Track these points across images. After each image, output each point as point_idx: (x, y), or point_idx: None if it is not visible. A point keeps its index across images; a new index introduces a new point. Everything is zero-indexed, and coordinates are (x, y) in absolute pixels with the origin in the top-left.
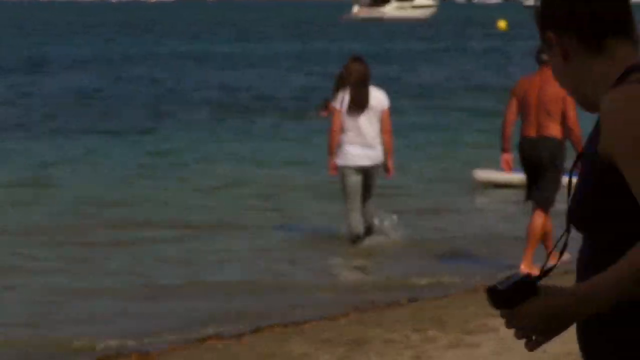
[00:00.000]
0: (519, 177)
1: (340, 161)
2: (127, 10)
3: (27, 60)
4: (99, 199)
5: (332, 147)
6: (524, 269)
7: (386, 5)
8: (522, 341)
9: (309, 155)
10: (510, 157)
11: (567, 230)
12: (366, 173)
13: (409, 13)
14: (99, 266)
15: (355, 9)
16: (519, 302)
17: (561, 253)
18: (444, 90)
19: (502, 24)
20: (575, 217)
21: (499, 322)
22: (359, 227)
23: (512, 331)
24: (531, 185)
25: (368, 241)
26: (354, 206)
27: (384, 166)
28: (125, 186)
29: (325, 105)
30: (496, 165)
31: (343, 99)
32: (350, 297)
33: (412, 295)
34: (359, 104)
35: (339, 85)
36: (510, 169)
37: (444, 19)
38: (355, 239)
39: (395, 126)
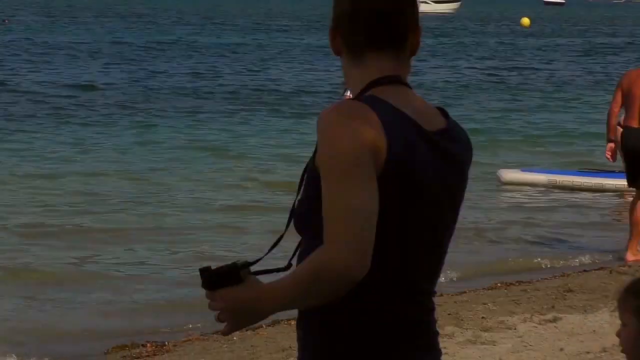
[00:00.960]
0: (544, 177)
1: None
2: None
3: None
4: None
5: None
6: (629, 257)
7: None
8: (542, 340)
9: None
10: (614, 146)
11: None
12: None
13: (432, 8)
14: (118, 254)
15: None
16: (221, 286)
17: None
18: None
19: (525, 21)
20: (296, 221)
21: (517, 319)
22: None
23: (531, 329)
24: (635, 175)
25: None
26: None
27: None
28: (157, 174)
29: None
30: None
31: None
32: None
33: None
34: None
35: None
36: (614, 158)
37: (468, 15)
38: None
39: None
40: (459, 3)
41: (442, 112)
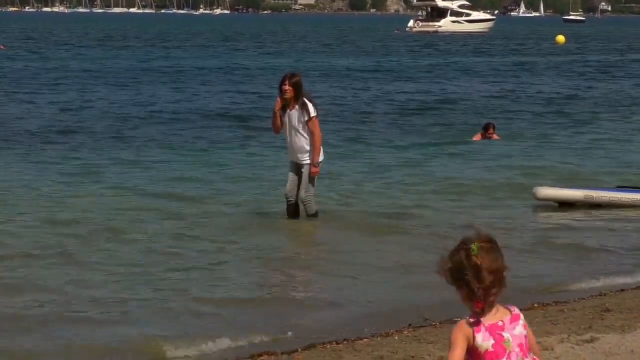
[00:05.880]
0: (581, 193)
1: None
2: (181, 21)
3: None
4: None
5: None
6: None
7: (441, 20)
8: None
9: None
10: None
11: None
12: None
13: (465, 27)
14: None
15: (411, 22)
16: None
17: None
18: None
19: (560, 39)
20: None
21: (554, 340)
22: None
23: (568, 350)
24: None
25: (421, 259)
26: None
27: None
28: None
29: (487, 128)
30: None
31: None
32: (404, 313)
33: (466, 312)
34: None
35: None
36: None
37: (498, 33)
38: None
39: None
40: (492, 22)
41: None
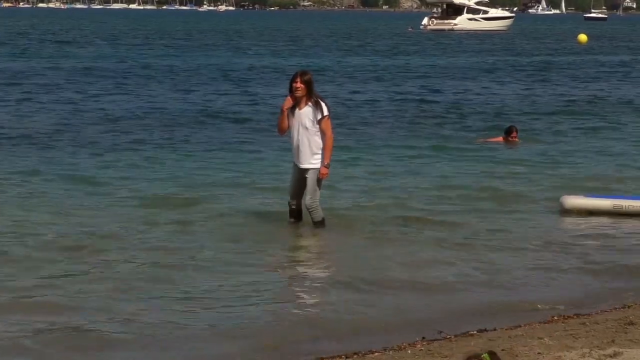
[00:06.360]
0: (609, 202)
1: None
2: (212, 18)
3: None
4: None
5: None
6: None
7: (457, 17)
8: None
9: None
10: None
11: None
12: None
13: (482, 25)
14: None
15: (425, 20)
16: None
17: None
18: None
19: (583, 38)
20: None
21: (575, 355)
22: None
23: None
24: None
25: (435, 270)
26: None
27: None
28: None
29: (510, 132)
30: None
31: None
32: (417, 326)
33: (483, 325)
34: None
35: None
36: None
37: (518, 32)
38: None
39: None
40: (511, 20)
41: None
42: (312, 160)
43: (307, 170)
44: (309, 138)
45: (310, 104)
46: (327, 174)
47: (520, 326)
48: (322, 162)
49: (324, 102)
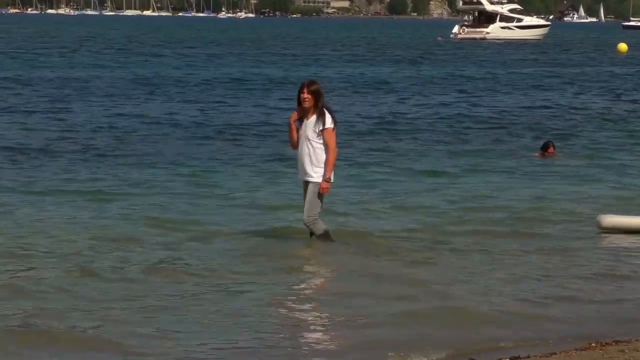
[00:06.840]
0: None
1: None
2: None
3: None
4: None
5: None
6: None
7: (490, 25)
8: None
9: None
10: None
11: None
12: None
13: (516, 34)
14: None
15: (456, 28)
16: None
17: None
18: None
19: (622, 47)
20: None
21: None
22: None
23: None
24: None
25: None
26: None
27: None
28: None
29: (547, 147)
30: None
31: None
32: (445, 350)
33: (516, 352)
34: None
35: None
36: None
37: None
38: None
39: None
40: (547, 28)
41: None
42: (312, 173)
43: (307, 183)
44: (311, 150)
45: (316, 114)
46: (327, 188)
47: (555, 353)
48: (324, 175)
49: (330, 112)
